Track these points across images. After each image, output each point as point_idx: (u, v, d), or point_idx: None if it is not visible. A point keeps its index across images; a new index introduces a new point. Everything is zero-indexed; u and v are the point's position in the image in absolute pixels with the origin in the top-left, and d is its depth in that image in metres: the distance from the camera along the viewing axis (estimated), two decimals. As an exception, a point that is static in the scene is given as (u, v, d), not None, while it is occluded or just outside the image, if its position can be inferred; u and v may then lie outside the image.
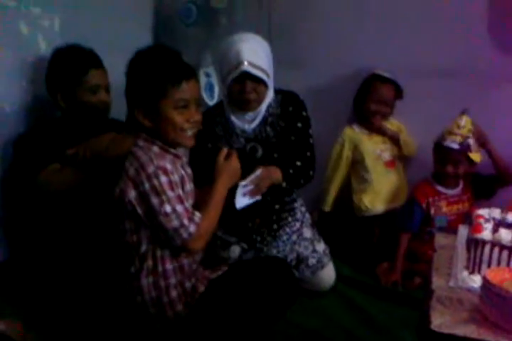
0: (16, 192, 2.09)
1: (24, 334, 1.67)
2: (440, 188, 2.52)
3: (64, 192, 1.93)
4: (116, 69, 2.09)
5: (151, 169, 1.58)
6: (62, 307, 1.95)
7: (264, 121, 2.25)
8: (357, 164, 2.75)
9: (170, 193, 1.59)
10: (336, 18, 2.79)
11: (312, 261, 2.31)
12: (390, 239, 2.60)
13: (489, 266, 1.44)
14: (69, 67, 2.05)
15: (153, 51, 1.71)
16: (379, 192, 2.70)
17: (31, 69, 2.17)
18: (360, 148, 2.71)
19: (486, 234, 1.46)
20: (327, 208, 2.82)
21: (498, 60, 2.57)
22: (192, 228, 1.60)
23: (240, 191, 2.00)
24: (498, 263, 1.43)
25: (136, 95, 1.65)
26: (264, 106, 2.23)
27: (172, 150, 1.69)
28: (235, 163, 1.83)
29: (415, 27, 2.66)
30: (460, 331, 1.22)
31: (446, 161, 2.44)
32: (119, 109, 2.05)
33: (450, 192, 2.52)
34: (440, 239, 1.78)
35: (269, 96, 2.23)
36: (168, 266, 1.67)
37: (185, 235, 1.59)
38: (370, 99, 2.68)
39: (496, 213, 1.62)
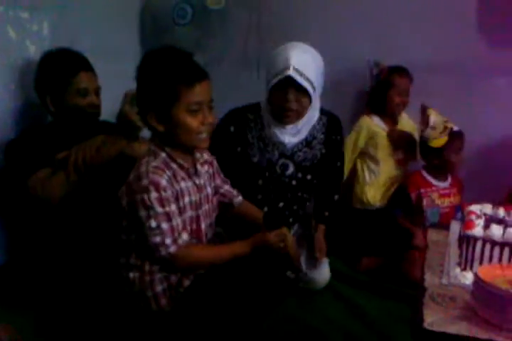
0: (11, 195, 2.07)
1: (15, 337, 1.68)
2: (431, 180, 2.54)
3: (58, 197, 1.92)
4: (105, 72, 2.13)
5: (144, 182, 1.59)
6: (59, 303, 1.97)
7: (306, 142, 2.16)
8: (368, 155, 2.76)
9: (158, 209, 1.59)
10: (332, 15, 2.84)
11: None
12: (376, 235, 2.62)
13: (481, 262, 1.44)
14: (58, 69, 2.04)
15: (162, 53, 1.67)
16: (383, 186, 2.73)
17: (20, 74, 2.16)
18: (376, 140, 2.73)
19: (478, 230, 1.46)
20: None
21: (490, 54, 2.61)
22: (172, 248, 1.61)
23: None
24: (490, 260, 1.43)
25: (147, 99, 1.63)
26: (305, 123, 2.13)
27: (179, 160, 1.68)
28: (275, 244, 1.74)
29: (411, 22, 2.73)
30: (452, 329, 1.21)
31: (451, 149, 2.48)
32: (108, 112, 2.08)
33: (441, 184, 2.55)
34: (432, 235, 1.78)
35: (313, 114, 2.14)
36: (155, 266, 1.67)
37: (163, 253, 1.61)
38: (394, 92, 2.70)
39: (488, 209, 1.63)
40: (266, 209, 2.13)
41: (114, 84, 2.17)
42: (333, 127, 2.21)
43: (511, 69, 2.61)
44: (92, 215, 2.02)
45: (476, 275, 1.28)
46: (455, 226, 1.78)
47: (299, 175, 2.16)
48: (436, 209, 2.52)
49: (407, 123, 2.81)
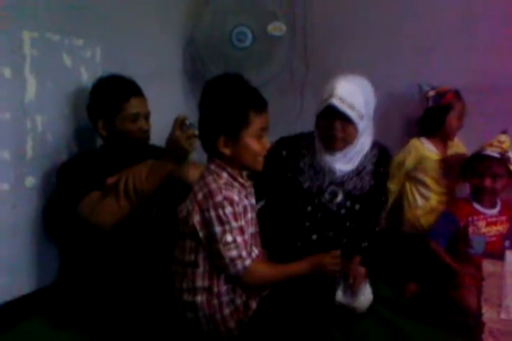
0: (63, 217, 2.11)
1: None
2: (479, 207, 2.48)
3: (109, 224, 1.95)
4: (155, 97, 2.17)
5: (218, 198, 1.66)
6: (110, 323, 1.97)
7: (356, 171, 2.16)
8: (417, 179, 2.73)
9: (233, 224, 1.66)
10: (377, 37, 2.87)
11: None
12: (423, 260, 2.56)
13: (542, 297, 1.40)
14: (109, 95, 2.09)
15: (229, 80, 1.76)
16: (435, 211, 2.67)
17: (73, 99, 2.22)
18: (425, 164, 2.69)
19: (538, 263, 1.42)
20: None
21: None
22: (248, 262, 1.67)
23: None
24: (551, 294, 1.40)
25: (216, 124, 1.70)
26: (357, 152, 2.13)
27: (240, 180, 1.76)
28: (330, 265, 1.83)
29: (459, 44, 2.72)
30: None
31: (484, 173, 2.40)
32: (157, 136, 2.12)
33: (489, 212, 2.48)
34: (488, 266, 1.74)
35: (365, 143, 2.14)
36: (223, 286, 1.72)
37: (240, 266, 1.66)
38: (453, 116, 2.67)
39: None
40: (315, 237, 2.13)
41: (162, 108, 2.23)
42: (383, 159, 2.21)
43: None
44: (143, 240, 2.05)
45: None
46: (510, 257, 1.73)
47: (348, 203, 2.14)
48: (482, 238, 2.45)
49: (457, 146, 2.76)
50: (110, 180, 1.95)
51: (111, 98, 2.08)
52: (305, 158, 2.17)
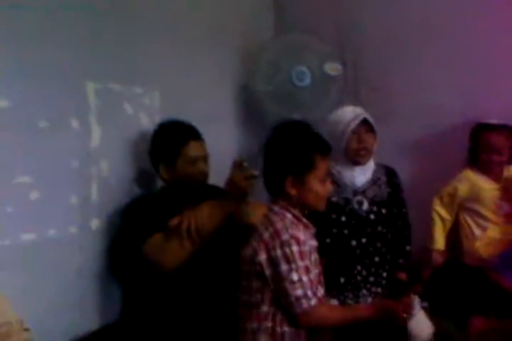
0: (126, 258, 2.16)
1: None
2: None
3: (173, 266, 1.99)
4: (212, 140, 2.24)
5: (285, 237, 1.70)
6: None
7: (373, 182, 2.40)
8: (472, 209, 2.71)
9: (299, 262, 1.69)
10: (425, 72, 2.92)
11: None
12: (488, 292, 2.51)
13: None
14: (169, 140, 2.16)
15: (295, 125, 1.90)
16: (492, 242, 2.64)
17: (135, 144, 2.30)
18: (478, 193, 2.68)
19: None
20: (439, 246, 2.75)
21: None
22: (313, 301, 1.69)
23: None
24: None
25: (284, 166, 1.78)
26: (370, 164, 2.40)
27: (304, 220, 1.81)
28: (400, 314, 1.81)
29: (504, 77, 2.71)
30: None
31: None
32: (213, 177, 2.19)
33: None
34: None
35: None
36: (287, 329, 1.74)
37: (305, 305, 1.67)
38: (481, 150, 2.67)
39: None
40: (354, 243, 2.30)
41: (217, 149, 2.30)
42: (391, 171, 2.47)
43: None
44: (206, 282, 2.08)
45: None
46: None
47: (374, 208, 2.36)
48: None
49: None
50: (173, 222, 1.99)
51: (170, 143, 2.15)
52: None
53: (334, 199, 2.31)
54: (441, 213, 2.75)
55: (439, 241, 2.74)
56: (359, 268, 2.31)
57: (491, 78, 2.75)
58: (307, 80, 2.93)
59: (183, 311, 2.05)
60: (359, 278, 2.31)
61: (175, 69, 2.51)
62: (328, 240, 2.30)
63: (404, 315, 1.79)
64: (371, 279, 2.32)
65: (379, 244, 2.34)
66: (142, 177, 2.36)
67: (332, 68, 2.89)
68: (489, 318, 2.47)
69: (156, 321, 2.06)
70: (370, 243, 2.32)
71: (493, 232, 2.66)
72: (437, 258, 2.72)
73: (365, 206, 2.34)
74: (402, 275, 2.36)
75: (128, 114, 2.29)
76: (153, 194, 2.28)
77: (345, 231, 2.31)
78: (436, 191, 2.78)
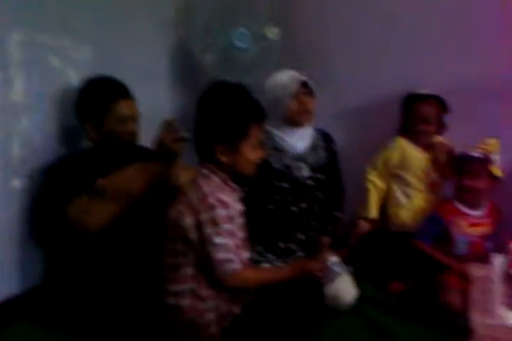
0: (49, 219, 2.09)
1: None
2: (462, 208, 2.50)
3: (97, 227, 1.94)
4: (145, 99, 2.16)
5: (211, 200, 1.68)
6: (96, 324, 1.97)
7: (311, 147, 2.41)
8: (400, 177, 2.73)
9: (224, 226, 1.67)
10: (365, 40, 2.88)
11: None
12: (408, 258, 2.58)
13: (528, 302, 1.43)
14: (98, 96, 2.08)
15: (228, 89, 1.81)
16: (417, 209, 2.68)
17: (61, 100, 2.19)
18: (408, 161, 2.70)
19: (524, 269, 1.45)
20: (372, 215, 2.76)
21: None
22: (236, 264, 1.68)
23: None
24: (538, 299, 1.42)
25: (215, 133, 1.73)
26: (308, 128, 2.41)
27: (230, 184, 1.79)
28: (311, 266, 1.86)
29: (444, 47, 2.71)
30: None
31: (465, 173, 2.44)
32: (145, 138, 2.12)
33: (472, 212, 2.50)
34: (474, 270, 1.77)
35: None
36: (208, 290, 1.73)
37: (228, 269, 1.67)
38: (411, 120, 2.68)
39: (533, 245, 1.61)
40: (294, 208, 2.32)
41: (150, 107, 2.22)
42: (328, 138, 2.50)
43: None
44: (132, 243, 2.04)
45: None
46: (497, 261, 1.75)
47: (314, 175, 2.38)
48: (465, 238, 2.48)
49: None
50: (99, 182, 1.94)
51: (99, 99, 2.07)
52: (267, 143, 2.32)
53: (275, 165, 2.32)
54: (376, 182, 2.77)
55: (371, 211, 2.77)
56: (297, 233, 2.33)
57: (426, 49, 2.75)
58: (247, 42, 2.87)
59: (108, 273, 2.00)
60: (297, 242, 2.33)
61: (108, 24, 2.42)
62: (270, 206, 2.31)
63: (322, 278, 1.88)
64: (307, 243, 2.35)
65: (316, 209, 2.38)
66: (68, 136, 2.26)
67: (271, 32, 2.85)
68: (407, 283, 2.55)
69: (80, 284, 2.01)
70: (309, 208, 2.35)
71: (418, 200, 2.70)
72: (364, 226, 2.77)
73: (306, 172, 2.36)
74: (325, 239, 2.38)
75: (54, 67, 2.18)
76: (79, 153, 2.20)
77: (288, 198, 2.31)
78: (369, 159, 2.80)
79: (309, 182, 2.36)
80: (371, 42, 2.87)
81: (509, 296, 1.45)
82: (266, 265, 2.27)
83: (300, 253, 2.34)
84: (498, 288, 1.57)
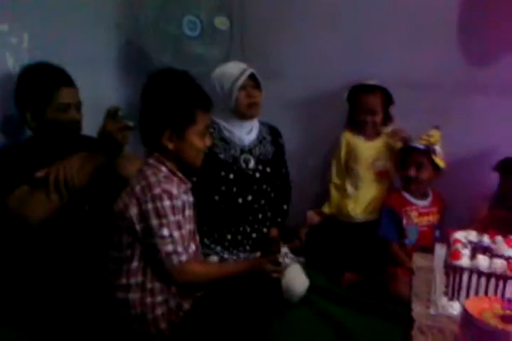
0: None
1: None
2: (409, 198, 2.56)
3: (39, 219, 1.87)
4: (88, 87, 2.09)
5: (157, 191, 1.64)
6: (41, 320, 1.90)
7: (258, 140, 2.43)
8: (351, 169, 2.77)
9: (171, 218, 1.64)
10: (312, 31, 2.88)
11: None
12: (358, 249, 2.62)
13: (468, 292, 1.46)
14: (39, 84, 1.99)
15: (174, 76, 1.78)
16: (363, 200, 2.73)
17: (-1, 88, 2.10)
18: (355, 154, 2.75)
19: (465, 260, 1.48)
20: (327, 210, 2.83)
21: (470, 71, 2.64)
22: (183, 257, 1.65)
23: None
24: (477, 290, 1.46)
25: (161, 119, 1.70)
26: (255, 122, 2.43)
27: (179, 174, 1.76)
28: (266, 267, 1.83)
29: (392, 38, 2.73)
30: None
31: (409, 163, 2.49)
32: (90, 127, 2.04)
33: (420, 202, 2.56)
34: (417, 260, 1.80)
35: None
36: (157, 283, 1.70)
37: (175, 261, 1.64)
38: (356, 110, 2.72)
39: (473, 236, 1.65)
40: (240, 200, 2.33)
41: (94, 96, 2.16)
42: (275, 131, 2.53)
43: (487, 85, 2.63)
44: (75, 236, 1.98)
45: (464, 309, 1.28)
46: (439, 251, 1.79)
47: (260, 167, 2.40)
48: (414, 228, 2.53)
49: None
50: (40, 173, 1.88)
51: (40, 88, 1.98)
52: (213, 134, 2.32)
53: (222, 156, 2.32)
54: (337, 183, 2.82)
55: (326, 206, 2.82)
56: (245, 225, 2.34)
57: (375, 41, 2.77)
58: (197, 30, 2.84)
59: (50, 267, 1.94)
60: (243, 234, 2.34)
61: (49, 9, 2.31)
62: (216, 197, 2.30)
63: (274, 275, 1.83)
64: (253, 235, 2.36)
65: (263, 202, 2.38)
66: (7, 125, 2.16)
67: (221, 22, 2.85)
68: (359, 273, 2.58)
69: (25, 278, 1.95)
70: (255, 200, 2.36)
71: (366, 191, 2.74)
72: (313, 218, 2.80)
73: (252, 164, 2.37)
74: (274, 232, 2.42)
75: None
76: (19, 143, 2.11)
77: (234, 189, 2.31)
78: (315, 151, 2.83)
79: (255, 174, 2.37)
80: (320, 33, 2.86)
81: (451, 287, 1.47)
82: (214, 257, 2.28)
83: (247, 246, 2.35)
84: (440, 279, 1.60)
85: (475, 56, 2.66)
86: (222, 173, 2.31)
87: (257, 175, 2.37)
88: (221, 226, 2.31)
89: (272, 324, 1.88)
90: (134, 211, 1.66)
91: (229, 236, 2.33)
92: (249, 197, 2.34)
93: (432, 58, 2.65)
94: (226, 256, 2.30)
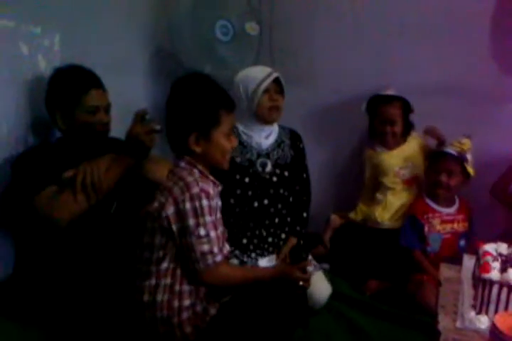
0: (17, 211, 2.03)
1: None
2: (434, 205, 2.53)
3: (66, 219, 1.89)
4: (118, 89, 2.11)
5: (195, 190, 1.64)
6: (66, 319, 1.92)
7: (277, 144, 2.42)
8: (380, 183, 2.77)
9: (208, 218, 1.65)
10: (337, 40, 2.90)
11: None
12: (383, 256, 2.59)
13: (497, 306, 1.43)
14: (69, 87, 2.01)
15: (197, 79, 1.80)
16: (391, 207, 2.71)
17: (30, 89, 2.12)
18: (381, 166, 2.75)
19: (495, 273, 1.45)
20: (353, 216, 2.83)
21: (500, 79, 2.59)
22: (218, 257, 1.66)
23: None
24: (507, 304, 1.42)
25: (188, 122, 1.71)
26: (275, 126, 2.43)
27: (211, 177, 1.76)
28: (294, 275, 1.83)
29: (420, 45, 2.71)
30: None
31: (441, 169, 2.46)
32: (119, 129, 2.06)
33: (444, 210, 2.53)
34: (445, 271, 1.76)
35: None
36: (185, 286, 1.71)
37: (210, 261, 1.65)
38: (376, 121, 2.71)
39: (503, 248, 1.61)
40: (256, 204, 2.33)
41: (123, 99, 2.17)
42: (295, 135, 2.51)
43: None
44: (102, 236, 2.00)
45: (493, 325, 1.26)
46: (468, 262, 1.76)
47: (277, 171, 2.38)
48: (437, 236, 2.50)
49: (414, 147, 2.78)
50: (68, 174, 1.90)
51: (70, 90, 2.00)
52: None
53: (238, 160, 2.32)
54: (366, 196, 2.85)
55: (353, 214, 2.84)
56: (260, 228, 2.33)
57: (405, 43, 2.75)
58: (229, 35, 2.86)
59: (77, 267, 1.96)
60: (259, 238, 2.33)
61: (79, 10, 2.32)
62: (232, 201, 2.30)
63: (301, 282, 1.82)
64: (270, 240, 2.35)
65: (280, 206, 2.37)
66: (38, 126, 2.18)
67: (251, 27, 2.86)
68: (383, 281, 2.55)
69: (50, 277, 1.96)
70: (272, 204, 2.35)
71: (394, 198, 2.71)
72: (335, 221, 2.80)
73: (269, 168, 2.36)
74: (293, 241, 2.41)
75: (23, 55, 2.09)
76: (48, 144, 2.14)
77: (249, 193, 2.31)
78: (340, 158, 2.82)
79: (272, 178, 2.35)
80: (348, 41, 2.86)
81: (479, 300, 1.44)
82: (234, 260, 2.27)
83: (264, 251, 2.35)
84: (468, 291, 1.57)
85: (505, 64, 2.61)
86: (237, 177, 2.31)
87: (274, 179, 2.36)
88: (237, 229, 2.31)
89: (295, 331, 1.87)
90: (170, 210, 1.66)
91: (245, 241, 2.32)
92: (266, 201, 2.33)
93: (461, 66, 2.61)
94: (245, 259, 2.30)
